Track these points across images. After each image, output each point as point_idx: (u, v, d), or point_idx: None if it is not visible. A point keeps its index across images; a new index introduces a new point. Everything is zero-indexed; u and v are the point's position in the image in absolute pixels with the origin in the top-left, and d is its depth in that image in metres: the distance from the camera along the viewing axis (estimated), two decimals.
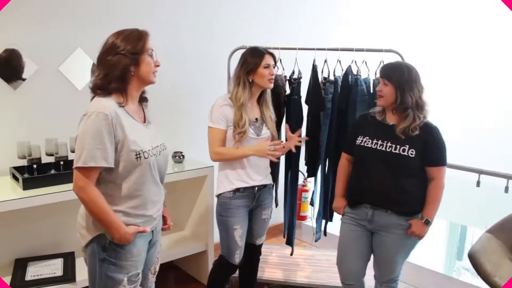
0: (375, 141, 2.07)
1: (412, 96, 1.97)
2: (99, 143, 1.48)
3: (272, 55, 2.24)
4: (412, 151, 1.98)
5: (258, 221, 2.40)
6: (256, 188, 2.28)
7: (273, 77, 2.21)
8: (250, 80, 2.19)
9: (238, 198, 2.23)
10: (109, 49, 1.54)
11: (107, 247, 1.60)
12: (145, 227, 1.65)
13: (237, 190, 2.22)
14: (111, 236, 1.58)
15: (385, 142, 2.04)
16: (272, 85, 2.24)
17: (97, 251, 1.61)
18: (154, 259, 1.84)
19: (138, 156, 1.57)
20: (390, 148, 2.02)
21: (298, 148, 2.81)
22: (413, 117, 1.99)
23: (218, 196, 2.28)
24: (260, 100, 2.29)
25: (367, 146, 2.08)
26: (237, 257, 2.31)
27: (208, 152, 2.22)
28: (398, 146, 2.00)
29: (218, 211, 2.28)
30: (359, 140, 2.13)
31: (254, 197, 2.30)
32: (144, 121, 1.70)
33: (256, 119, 2.26)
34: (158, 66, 1.65)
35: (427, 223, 2.01)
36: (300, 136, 2.31)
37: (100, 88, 1.55)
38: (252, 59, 2.18)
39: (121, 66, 1.53)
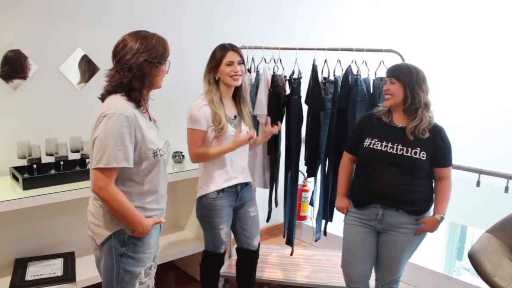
0: (384, 144, 2.05)
1: (421, 96, 1.98)
2: (121, 144, 1.52)
3: (238, 51, 2.18)
4: (423, 154, 2.00)
5: (248, 220, 2.39)
6: (239, 187, 2.30)
7: (237, 74, 2.15)
8: (217, 78, 2.18)
9: (222, 198, 2.24)
10: (130, 51, 1.57)
11: (126, 242, 1.64)
12: (160, 218, 1.72)
13: (221, 190, 2.23)
14: (132, 230, 1.62)
15: (396, 145, 2.03)
16: (236, 83, 2.18)
17: (115, 247, 1.63)
18: (157, 252, 1.88)
19: (155, 154, 1.63)
20: (402, 151, 2.01)
21: (298, 148, 2.81)
22: (421, 117, 2.00)
23: (200, 198, 2.26)
24: (237, 97, 2.28)
25: (376, 149, 2.07)
26: (222, 249, 2.35)
27: None
28: (410, 149, 2.01)
29: (201, 212, 2.28)
30: (366, 142, 2.11)
31: (237, 196, 2.31)
32: (150, 120, 1.74)
33: (235, 116, 2.26)
34: (167, 73, 1.70)
35: (442, 220, 2.05)
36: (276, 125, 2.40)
37: (125, 88, 1.58)
38: (215, 56, 2.17)
39: (146, 71, 1.59)
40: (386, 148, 2.05)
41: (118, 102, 1.56)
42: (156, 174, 1.67)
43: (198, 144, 2.16)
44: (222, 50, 2.17)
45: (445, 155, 2.05)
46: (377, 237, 2.15)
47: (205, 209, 2.25)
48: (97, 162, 1.52)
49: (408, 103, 1.99)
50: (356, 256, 2.18)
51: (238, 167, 2.28)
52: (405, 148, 2.01)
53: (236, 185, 2.28)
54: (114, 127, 1.51)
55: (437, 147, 2.01)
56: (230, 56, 2.15)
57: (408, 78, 1.98)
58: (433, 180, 2.11)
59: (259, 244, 2.48)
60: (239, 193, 2.31)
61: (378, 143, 2.07)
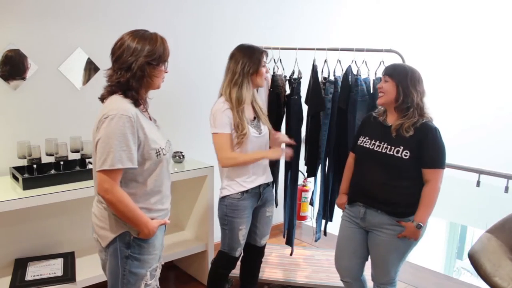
0: (373, 142, 2.08)
1: (415, 96, 1.96)
2: (124, 145, 1.51)
3: (266, 52, 2.25)
4: (406, 153, 1.96)
5: (263, 219, 2.41)
6: (262, 187, 2.31)
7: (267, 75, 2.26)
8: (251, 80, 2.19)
9: (245, 199, 2.25)
10: (127, 50, 1.55)
11: (131, 244, 1.63)
12: (165, 219, 1.72)
13: (245, 191, 2.23)
14: (137, 232, 1.62)
15: (382, 143, 2.04)
16: (264, 83, 2.28)
17: (120, 250, 1.63)
18: (162, 252, 1.87)
19: (158, 153, 1.62)
20: (385, 150, 2.02)
21: (298, 148, 2.81)
22: (411, 117, 1.98)
23: (223, 197, 2.27)
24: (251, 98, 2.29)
25: (365, 147, 2.11)
26: (238, 252, 2.35)
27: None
28: (393, 148, 1.99)
29: (223, 211, 2.27)
30: (360, 140, 2.15)
31: (260, 196, 2.32)
32: (150, 120, 1.74)
33: (254, 117, 2.27)
34: (166, 72, 1.69)
35: (419, 227, 1.97)
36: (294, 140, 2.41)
37: (123, 87, 1.57)
38: (254, 59, 2.16)
39: (146, 72, 1.57)
40: (373, 146, 2.07)
41: (120, 103, 1.55)
42: (160, 174, 1.66)
43: (230, 148, 2.13)
44: (259, 53, 2.19)
45: (432, 155, 1.96)
46: (366, 234, 2.17)
47: (228, 208, 2.25)
48: (101, 164, 1.50)
49: (399, 102, 1.99)
50: (344, 251, 2.23)
51: (260, 166, 2.29)
52: (389, 146, 2.01)
53: (259, 186, 2.29)
54: (117, 128, 1.49)
55: (422, 146, 1.95)
56: (264, 57, 2.21)
57: (401, 77, 1.98)
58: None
59: (265, 244, 2.50)
60: (261, 194, 2.32)
61: (368, 141, 2.10)
